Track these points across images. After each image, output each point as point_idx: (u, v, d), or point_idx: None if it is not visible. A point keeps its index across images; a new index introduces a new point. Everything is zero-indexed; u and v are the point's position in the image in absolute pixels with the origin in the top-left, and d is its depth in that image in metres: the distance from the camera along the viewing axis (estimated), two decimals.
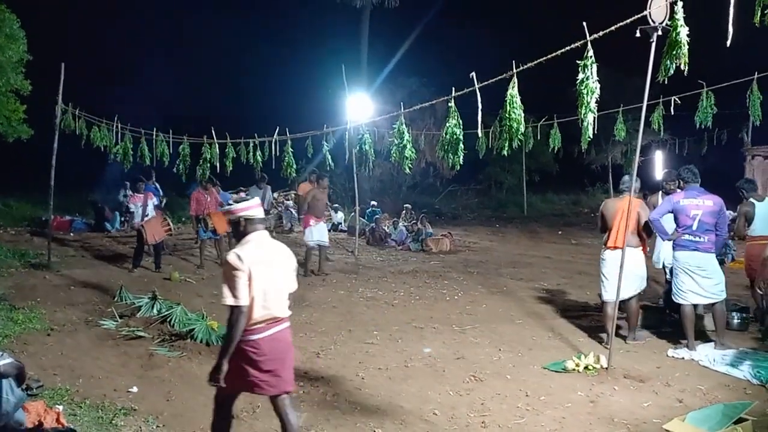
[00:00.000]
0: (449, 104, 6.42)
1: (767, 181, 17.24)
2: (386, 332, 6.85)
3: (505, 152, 5.92)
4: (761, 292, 6.39)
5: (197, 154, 10.77)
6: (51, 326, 6.63)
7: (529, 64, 5.55)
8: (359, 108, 12.39)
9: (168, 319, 6.65)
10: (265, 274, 3.49)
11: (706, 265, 5.96)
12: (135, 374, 5.37)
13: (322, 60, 20.87)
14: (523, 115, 5.71)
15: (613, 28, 4.88)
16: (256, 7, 26.09)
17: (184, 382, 5.17)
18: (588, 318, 7.46)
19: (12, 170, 16.47)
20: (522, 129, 5.72)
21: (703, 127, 8.88)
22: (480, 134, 6.99)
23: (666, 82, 4.92)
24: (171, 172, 11.08)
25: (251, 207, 3.63)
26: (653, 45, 4.97)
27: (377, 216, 15.77)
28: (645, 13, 4.86)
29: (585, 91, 5.01)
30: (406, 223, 15.44)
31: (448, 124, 6.43)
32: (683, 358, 5.85)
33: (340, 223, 16.32)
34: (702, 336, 6.36)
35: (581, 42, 5.02)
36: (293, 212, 15.16)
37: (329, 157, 10.23)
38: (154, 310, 6.97)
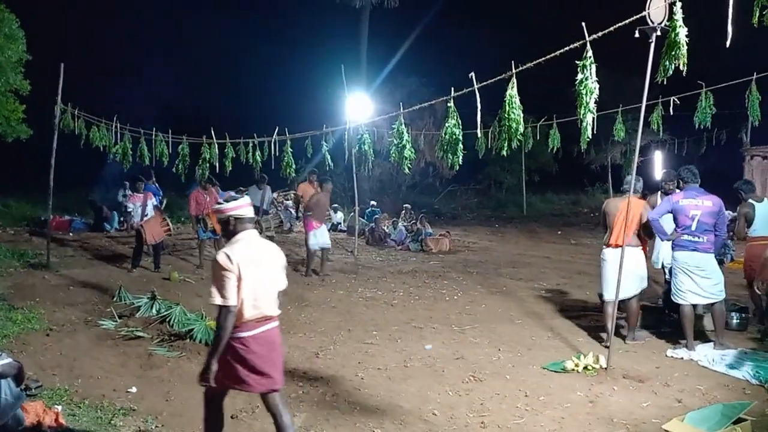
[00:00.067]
0: (448, 104, 6.42)
1: (766, 181, 17.27)
2: (385, 332, 6.85)
3: (504, 152, 5.92)
4: (760, 293, 6.39)
5: (196, 154, 10.76)
6: (50, 326, 6.62)
7: (528, 65, 5.56)
8: (358, 108, 12.39)
9: (167, 319, 6.66)
10: (254, 274, 3.51)
11: (705, 265, 5.96)
12: (134, 374, 5.37)
13: (321, 60, 20.90)
14: (522, 115, 5.71)
15: (612, 28, 4.89)
16: (255, 7, 26.15)
17: (183, 382, 5.17)
18: (587, 318, 7.46)
19: (11, 170, 16.48)
20: (521, 129, 5.72)
21: (702, 127, 8.88)
22: (479, 134, 7.00)
23: (665, 83, 4.93)
24: (170, 172, 11.08)
25: (241, 206, 3.64)
26: (652, 45, 4.97)
27: (377, 216, 15.78)
28: (644, 13, 4.86)
29: (584, 92, 5.02)
30: (405, 223, 15.44)
31: (447, 124, 6.43)
32: (682, 358, 5.85)
33: (340, 223, 16.32)
34: (701, 336, 6.36)
35: (580, 42, 5.03)
36: (292, 212, 15.16)
37: (329, 157, 10.23)
38: (153, 310, 6.97)
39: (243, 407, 4.57)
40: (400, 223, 15.23)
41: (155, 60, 22.48)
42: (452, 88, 6.42)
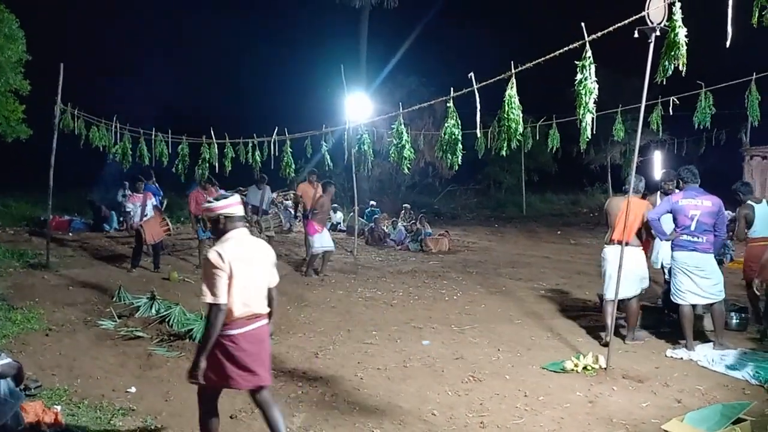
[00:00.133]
0: (448, 104, 6.42)
1: (766, 181, 17.26)
2: (385, 332, 6.85)
3: (503, 152, 5.92)
4: (759, 293, 6.40)
5: (196, 154, 10.76)
6: (49, 326, 6.62)
7: (527, 65, 5.55)
8: (358, 108, 12.38)
9: (166, 319, 6.66)
10: (245, 272, 3.53)
11: (704, 265, 5.97)
12: (133, 374, 5.37)
13: (321, 60, 20.88)
14: (521, 115, 5.71)
15: (611, 28, 4.89)
16: (255, 7, 26.15)
17: (182, 382, 5.13)
18: (587, 318, 7.46)
19: (11, 170, 16.48)
20: (521, 129, 5.72)
21: (701, 127, 8.88)
22: (479, 134, 6.99)
23: (664, 83, 4.93)
24: (170, 172, 11.07)
25: (230, 204, 3.66)
26: (651, 45, 4.98)
27: (376, 216, 15.78)
28: (643, 13, 4.86)
29: (583, 92, 5.02)
30: (405, 223, 15.44)
31: (446, 124, 6.42)
32: (682, 359, 5.85)
33: (339, 223, 16.32)
34: (701, 336, 6.37)
35: (580, 42, 5.03)
36: (292, 212, 15.16)
37: (328, 157, 10.22)
38: (153, 310, 6.97)
39: (242, 407, 4.57)
40: (399, 223, 15.23)
41: (155, 60, 22.51)
42: (452, 88, 6.42)
